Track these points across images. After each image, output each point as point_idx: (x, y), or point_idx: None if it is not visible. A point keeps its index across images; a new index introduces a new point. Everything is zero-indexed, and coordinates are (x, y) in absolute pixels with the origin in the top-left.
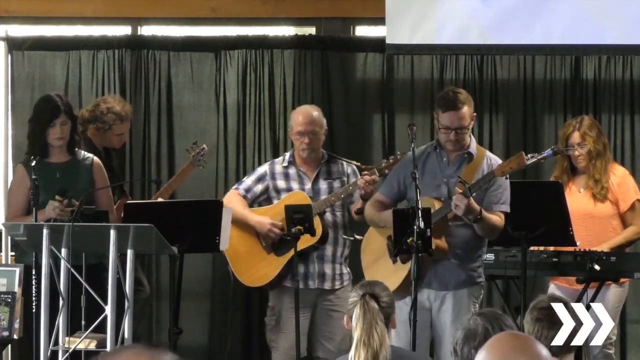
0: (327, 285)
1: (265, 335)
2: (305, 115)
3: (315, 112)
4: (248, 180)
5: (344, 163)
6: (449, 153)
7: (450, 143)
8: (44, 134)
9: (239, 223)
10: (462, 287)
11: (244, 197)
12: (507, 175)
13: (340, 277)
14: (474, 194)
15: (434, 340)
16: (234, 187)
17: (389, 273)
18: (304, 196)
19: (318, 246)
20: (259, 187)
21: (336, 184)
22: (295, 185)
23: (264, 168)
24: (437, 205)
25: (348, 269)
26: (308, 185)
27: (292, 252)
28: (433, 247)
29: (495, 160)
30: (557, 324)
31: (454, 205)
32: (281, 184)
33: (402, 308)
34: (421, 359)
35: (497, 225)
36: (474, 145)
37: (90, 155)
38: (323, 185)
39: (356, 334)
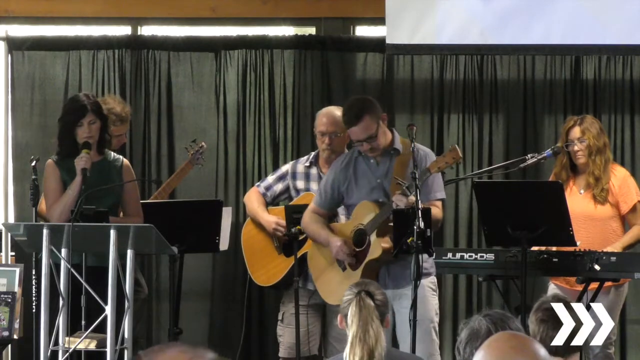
0: None
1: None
2: (328, 116)
3: (338, 113)
4: (270, 179)
5: None
6: (374, 156)
7: (369, 151)
8: (73, 134)
9: (258, 222)
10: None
11: (264, 194)
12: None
13: None
14: (412, 194)
15: (397, 339)
16: (256, 184)
17: (339, 282)
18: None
19: None
20: (279, 186)
21: None
22: (314, 185)
23: (286, 167)
24: (376, 209)
25: None
26: None
27: (300, 253)
28: (380, 250)
29: (424, 150)
30: (561, 324)
31: (395, 205)
32: (301, 184)
33: None
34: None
35: (437, 217)
36: (397, 140)
37: (120, 156)
38: None
39: (351, 331)
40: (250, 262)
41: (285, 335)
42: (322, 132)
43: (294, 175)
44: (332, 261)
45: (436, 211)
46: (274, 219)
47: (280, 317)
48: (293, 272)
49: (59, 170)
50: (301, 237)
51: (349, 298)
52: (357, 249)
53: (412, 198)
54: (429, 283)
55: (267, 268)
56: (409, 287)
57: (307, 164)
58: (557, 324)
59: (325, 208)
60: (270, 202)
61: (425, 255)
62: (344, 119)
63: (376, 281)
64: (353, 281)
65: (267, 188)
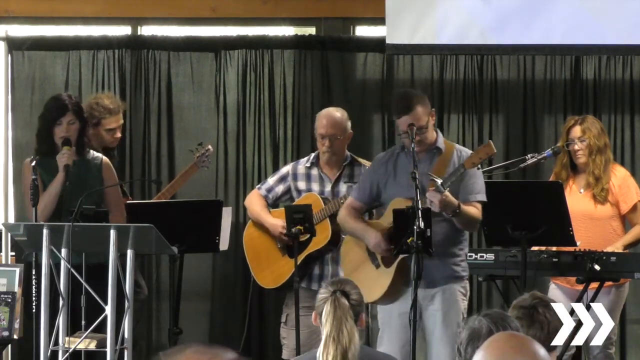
0: None
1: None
2: (328, 118)
3: (338, 115)
4: (270, 180)
5: (367, 167)
6: (417, 152)
7: (415, 145)
8: (51, 132)
9: (260, 224)
10: (449, 282)
11: (265, 197)
12: (479, 166)
13: None
14: (447, 189)
15: (424, 341)
16: (256, 187)
17: (373, 279)
18: (317, 198)
19: (332, 248)
20: (281, 188)
21: None
22: (315, 186)
23: (286, 168)
24: (409, 205)
25: None
26: (328, 187)
27: (304, 254)
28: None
29: (466, 152)
30: (536, 322)
31: (429, 202)
32: (302, 184)
33: (392, 312)
34: (388, 359)
35: (475, 217)
36: (441, 140)
37: (100, 155)
38: (343, 187)
39: (325, 330)
40: (253, 265)
41: (289, 337)
42: (322, 134)
43: (295, 176)
44: (365, 258)
45: (475, 212)
46: (280, 222)
47: (283, 320)
48: (298, 273)
49: (32, 173)
50: (302, 238)
51: (324, 296)
52: (392, 247)
53: (447, 194)
54: (460, 287)
55: (271, 270)
56: (440, 288)
57: (308, 164)
58: (532, 322)
59: (363, 202)
60: (272, 203)
61: (459, 258)
62: (395, 108)
63: (407, 279)
64: (387, 278)
65: (269, 190)
